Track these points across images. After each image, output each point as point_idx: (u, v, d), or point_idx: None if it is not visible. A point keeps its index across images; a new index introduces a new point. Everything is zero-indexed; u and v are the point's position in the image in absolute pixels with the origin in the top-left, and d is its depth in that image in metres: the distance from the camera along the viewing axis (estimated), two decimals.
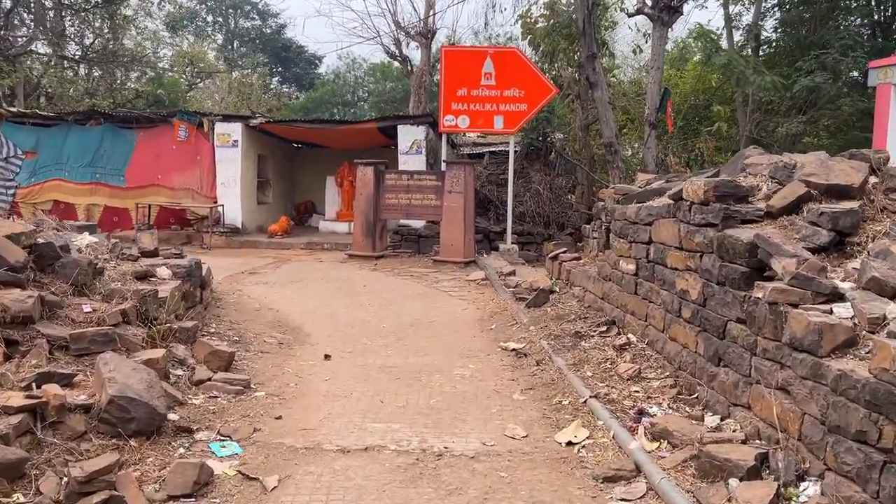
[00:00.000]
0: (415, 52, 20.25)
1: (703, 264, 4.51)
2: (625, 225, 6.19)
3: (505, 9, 44.38)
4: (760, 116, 16.31)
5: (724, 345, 4.18)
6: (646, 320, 5.54)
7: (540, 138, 15.36)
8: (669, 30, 14.41)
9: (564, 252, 8.83)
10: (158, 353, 4.50)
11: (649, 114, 12.70)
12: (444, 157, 12.79)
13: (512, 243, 12.94)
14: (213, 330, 6.21)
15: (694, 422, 4.02)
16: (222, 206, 14.49)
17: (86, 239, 5.90)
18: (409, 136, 14.01)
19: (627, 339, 5.50)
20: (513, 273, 10.39)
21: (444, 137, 12.89)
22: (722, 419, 3.99)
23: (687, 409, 4.24)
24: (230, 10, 44.18)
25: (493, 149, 17.04)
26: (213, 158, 14.70)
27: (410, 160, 13.95)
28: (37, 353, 4.10)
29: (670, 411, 4.23)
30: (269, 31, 43.89)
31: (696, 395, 4.38)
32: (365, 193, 12.23)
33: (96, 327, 4.44)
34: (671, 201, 5.19)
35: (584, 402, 4.47)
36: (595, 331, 5.97)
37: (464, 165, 11.56)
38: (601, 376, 4.91)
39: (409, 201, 12.13)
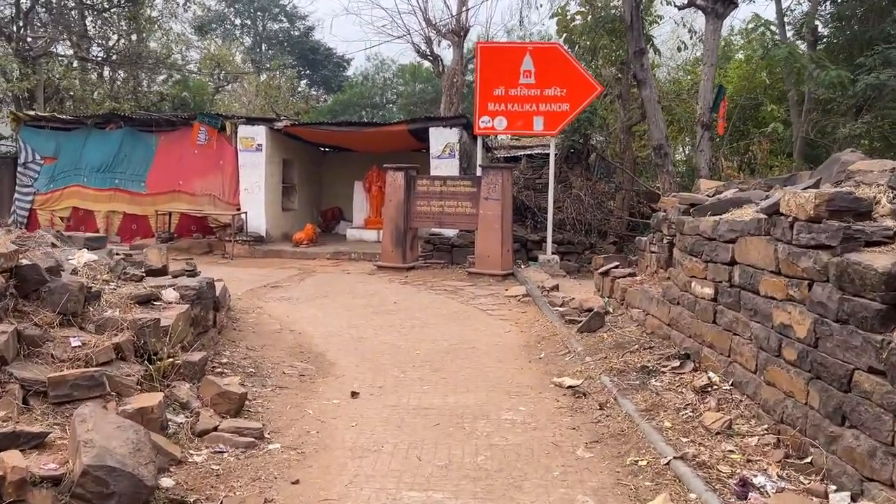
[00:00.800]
0: (446, 52, 19.59)
1: (815, 295, 3.68)
2: (698, 241, 5.37)
3: (541, 5, 43.00)
4: (818, 116, 15.26)
5: (849, 399, 3.35)
6: (729, 356, 4.72)
7: (581, 140, 14.52)
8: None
9: (616, 267, 8.01)
10: (154, 398, 3.81)
11: (702, 114, 11.80)
12: (479, 161, 12.04)
13: (552, 253, 12.14)
14: (225, 360, 5.53)
15: (815, 500, 3.20)
16: (245, 213, 13.92)
17: (83, 257, 5.26)
18: (442, 139, 13.29)
19: (708, 378, 4.68)
20: (556, 288, 9.59)
21: (479, 140, 12.15)
22: (853, 498, 3.16)
23: (801, 478, 3.42)
24: (258, 13, 44.12)
25: (530, 152, 16.25)
26: (237, 163, 14.16)
27: (443, 165, 13.24)
28: (7, 402, 3.44)
29: (780, 482, 3.41)
30: (297, 33, 43.73)
31: (809, 460, 3.55)
32: (395, 201, 11.53)
33: (81, 369, 3.77)
34: (762, 216, 4.37)
35: (667, 464, 3.67)
36: (665, 365, 5.15)
37: (501, 170, 10.80)
38: (683, 428, 4.10)
39: (441, 209, 11.40)
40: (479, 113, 11.77)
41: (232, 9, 43.26)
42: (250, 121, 14.17)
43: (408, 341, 6.71)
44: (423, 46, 18.52)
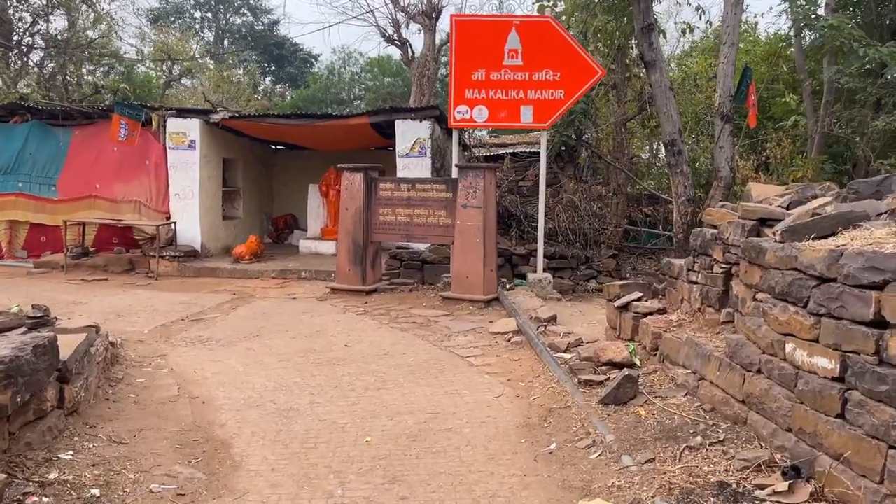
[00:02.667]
0: (416, 38, 17.69)
1: None
2: (798, 281, 3.51)
3: None
4: (840, 109, 13.63)
5: None
6: (881, 479, 2.86)
7: (574, 137, 12.68)
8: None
9: (639, 299, 6.13)
10: None
11: (721, 103, 10.04)
12: (455, 160, 10.12)
13: (543, 270, 10.26)
14: (54, 475, 3.52)
15: None
16: (174, 223, 11.84)
17: None
18: (410, 133, 11.37)
19: None
20: (553, 320, 7.72)
21: (454, 135, 10.22)
22: None
23: None
24: (219, 6, 42.02)
25: (513, 150, 14.38)
26: (166, 163, 12.07)
27: (412, 165, 11.31)
28: None
29: None
30: (261, 27, 41.72)
31: None
32: (352, 209, 9.56)
33: None
34: None
35: None
36: (758, 484, 3.27)
37: (482, 171, 8.89)
38: None
39: (409, 218, 9.47)
40: (454, 101, 9.85)
41: (191, 0, 41.19)
42: (181, 113, 12.09)
43: (356, 417, 4.76)
44: (391, 30, 16.57)
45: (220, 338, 7.02)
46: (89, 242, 12.21)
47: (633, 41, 14.27)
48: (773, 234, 4.19)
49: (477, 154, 14.03)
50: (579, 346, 6.39)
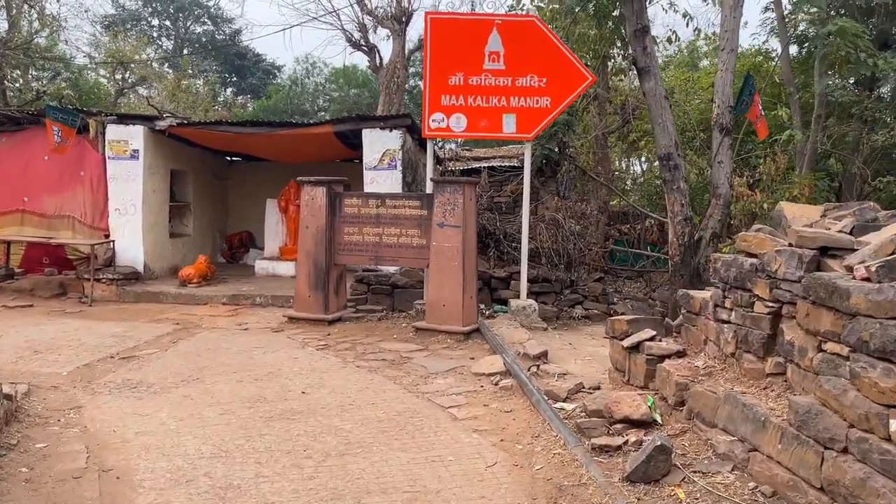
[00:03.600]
0: (385, 45, 16.78)
1: None
2: None
3: None
4: (834, 123, 13.09)
5: None
6: None
7: (556, 149, 11.85)
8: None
9: (653, 338, 5.24)
10: None
11: (719, 114, 9.31)
12: (429, 173, 9.19)
13: (527, 296, 9.36)
14: None
15: None
16: (113, 241, 10.66)
17: None
18: (379, 144, 10.41)
19: None
20: (544, 356, 6.82)
21: (429, 146, 9.30)
22: None
23: None
24: (178, 14, 40.78)
25: (489, 163, 13.48)
26: (105, 175, 10.91)
27: (381, 178, 10.35)
28: None
29: None
30: (222, 37, 40.55)
31: None
32: (313, 227, 8.55)
33: None
34: None
35: None
36: None
37: (462, 186, 7.96)
38: None
39: (378, 238, 8.49)
40: (428, 109, 8.94)
41: (148, 7, 39.90)
42: (122, 119, 10.94)
43: (313, 499, 3.75)
44: (357, 35, 15.62)
45: (153, 382, 5.93)
46: (16, 263, 10.97)
47: (615, 49, 13.60)
48: (848, 268, 3.34)
49: (452, 168, 13.11)
50: (580, 391, 5.48)
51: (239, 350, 7.16)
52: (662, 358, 5.04)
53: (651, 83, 9.08)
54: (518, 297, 9.64)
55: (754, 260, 4.25)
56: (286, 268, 11.53)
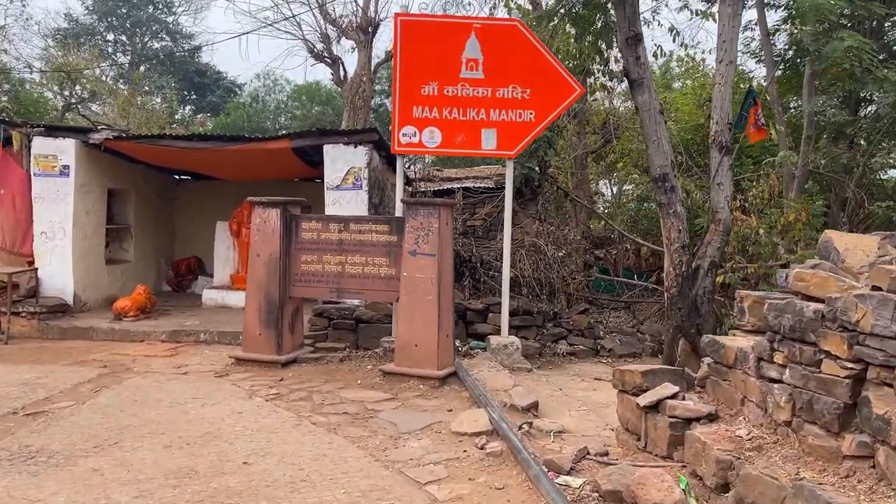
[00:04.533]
0: (350, 57, 15.88)
1: None
2: None
3: None
4: (826, 143, 12.53)
5: None
6: None
7: (537, 169, 11.01)
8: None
9: (675, 396, 4.32)
10: None
11: (718, 132, 8.56)
12: (399, 194, 8.24)
13: (508, 332, 8.44)
14: None
15: None
16: (37, 269, 9.46)
17: None
18: (343, 161, 9.45)
19: None
20: (534, 408, 5.93)
21: (398, 164, 8.36)
22: None
23: None
24: (135, 29, 39.52)
25: (464, 183, 12.60)
26: (29, 193, 9.73)
27: (344, 199, 9.37)
28: None
29: None
30: (181, 53, 39.39)
31: None
32: (265, 254, 7.53)
33: None
34: None
35: None
36: None
37: (437, 208, 7.02)
38: None
39: (341, 268, 7.49)
40: (398, 122, 8.03)
41: (104, 22, 38.62)
42: (51, 131, 9.79)
43: None
44: (320, 46, 14.68)
45: (58, 449, 4.82)
46: None
47: (595, 65, 12.88)
48: None
49: (424, 188, 12.20)
50: (585, 458, 4.53)
51: (173, 402, 6.06)
52: (690, 422, 4.14)
53: (645, 96, 8.30)
54: (498, 332, 8.73)
55: (819, 306, 3.38)
56: (237, 298, 10.40)
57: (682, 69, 21.50)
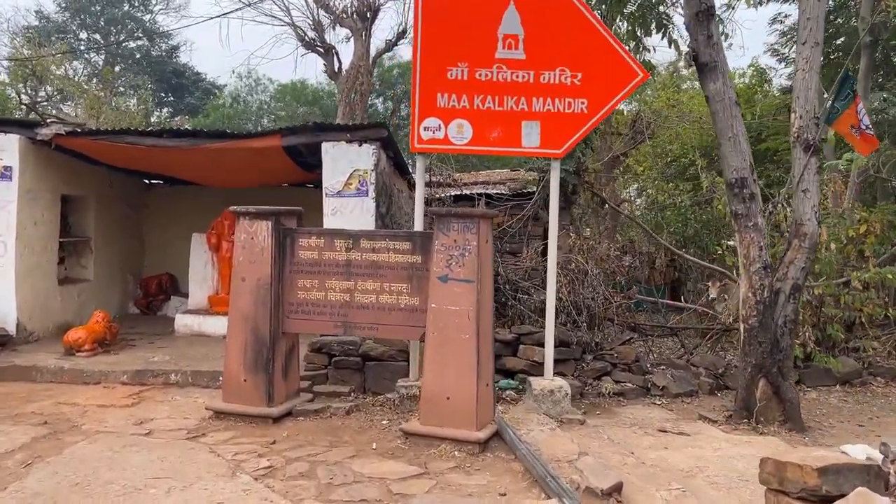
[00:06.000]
0: (344, 49, 14.38)
1: None
2: None
3: None
4: (887, 146, 11.22)
5: None
6: None
7: (573, 171, 9.56)
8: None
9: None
10: None
11: (801, 127, 7.17)
12: (419, 202, 6.74)
13: (554, 373, 6.95)
14: None
15: None
16: None
17: None
18: (345, 162, 7.98)
19: None
20: (618, 491, 4.48)
21: (419, 164, 6.86)
22: None
23: None
24: (110, 27, 37.89)
25: (474, 190, 11.11)
26: None
27: (347, 208, 7.90)
28: None
29: None
30: (158, 53, 37.80)
31: None
32: (253, 278, 6.01)
33: None
34: None
35: None
36: None
37: (476, 221, 5.54)
38: None
39: (349, 296, 5.99)
40: (419, 112, 6.56)
41: (77, 20, 36.96)
42: None
43: None
44: (311, 34, 13.16)
45: None
46: None
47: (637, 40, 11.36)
48: None
49: (440, 196, 10.68)
50: None
51: (126, 486, 4.51)
52: None
53: (718, 83, 6.89)
54: (533, 369, 7.30)
55: None
56: (216, 324, 8.88)
57: (689, 70, 20.21)
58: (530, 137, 6.56)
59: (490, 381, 5.69)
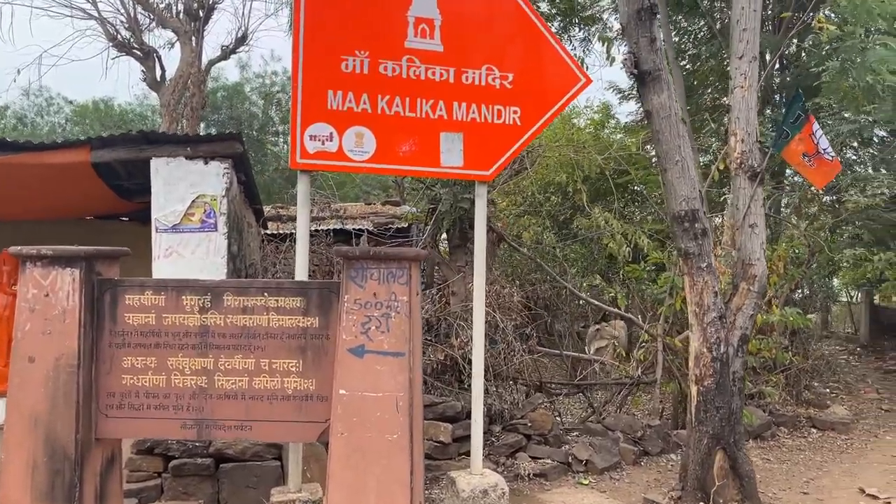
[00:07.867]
0: (168, 55, 12.10)
1: None
2: None
3: None
4: None
5: None
6: None
7: (471, 202, 8.13)
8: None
9: None
10: None
11: (744, 153, 6.33)
12: (301, 244, 4.92)
13: (459, 452, 5.40)
14: None
15: None
16: None
17: None
18: (184, 185, 5.99)
19: None
20: None
21: (301, 188, 5.03)
22: None
23: None
24: None
25: (330, 225, 9.33)
26: None
27: (187, 248, 5.90)
28: None
29: None
30: None
31: None
32: (49, 356, 3.90)
33: None
34: None
35: None
36: None
37: (406, 266, 3.89)
38: None
39: (206, 378, 4.06)
40: (302, 118, 4.81)
41: None
42: None
43: None
44: (125, 34, 10.82)
45: None
46: None
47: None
48: None
49: (280, 231, 8.79)
50: None
51: None
52: None
53: (662, 96, 5.82)
54: (446, 453, 5.73)
55: None
56: None
57: (583, 105, 19.65)
58: (451, 154, 5.05)
59: (423, 499, 4.01)
